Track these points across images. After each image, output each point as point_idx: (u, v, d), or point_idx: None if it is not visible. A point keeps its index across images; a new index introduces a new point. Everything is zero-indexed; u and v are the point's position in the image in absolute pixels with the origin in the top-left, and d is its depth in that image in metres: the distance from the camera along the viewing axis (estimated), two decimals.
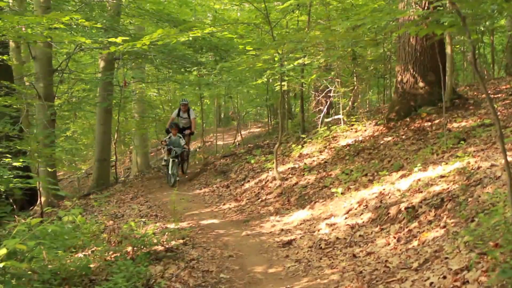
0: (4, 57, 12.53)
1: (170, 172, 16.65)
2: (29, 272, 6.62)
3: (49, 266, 7.22)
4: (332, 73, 17.87)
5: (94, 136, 21.09)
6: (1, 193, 12.02)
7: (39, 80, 15.93)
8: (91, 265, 7.79)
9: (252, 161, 16.44)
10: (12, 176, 9.92)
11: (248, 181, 14.95)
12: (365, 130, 15.03)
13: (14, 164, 10.84)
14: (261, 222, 11.12)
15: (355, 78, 17.81)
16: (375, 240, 8.29)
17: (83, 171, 27.09)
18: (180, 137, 17.00)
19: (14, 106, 12.40)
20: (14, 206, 12.25)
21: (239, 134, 23.73)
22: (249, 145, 20.72)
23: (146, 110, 24.35)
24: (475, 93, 15.60)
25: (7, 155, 11.01)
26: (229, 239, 10.15)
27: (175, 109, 19.75)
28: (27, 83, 18.72)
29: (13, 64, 15.31)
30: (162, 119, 25.12)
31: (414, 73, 14.02)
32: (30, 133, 14.33)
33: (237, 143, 23.02)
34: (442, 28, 7.28)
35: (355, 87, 17.91)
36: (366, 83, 19.81)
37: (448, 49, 13.68)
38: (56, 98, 17.73)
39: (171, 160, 16.58)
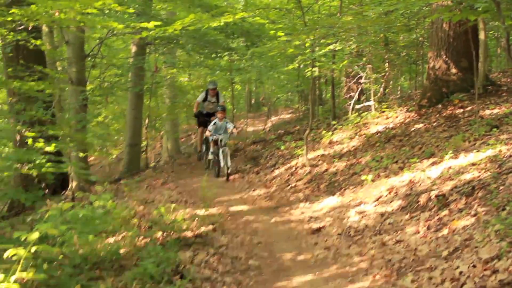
0: (37, 42, 12.61)
1: (221, 164, 14.92)
2: (60, 256, 6.71)
3: (80, 251, 7.31)
4: (364, 59, 17.75)
5: (126, 121, 21.21)
6: (33, 178, 12.19)
7: (71, 65, 16.08)
8: (121, 250, 7.88)
9: (282, 147, 16.41)
10: (45, 160, 10.02)
11: (278, 167, 14.93)
12: (396, 117, 14.92)
13: (47, 149, 10.96)
14: (291, 208, 11.10)
15: (386, 64, 17.70)
16: (405, 228, 8.23)
17: (114, 156, 27.29)
18: (227, 122, 15.50)
19: (47, 91, 12.52)
20: (47, 191, 12.41)
21: (269, 120, 23.69)
22: (279, 131, 20.68)
23: (177, 95, 24.45)
24: (508, 80, 15.41)
25: (40, 139, 11.12)
26: (258, 225, 10.17)
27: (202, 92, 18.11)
28: (59, 68, 18.90)
29: (46, 49, 15.42)
30: (192, 104, 25.18)
31: (446, 59, 13.87)
32: (62, 118, 14.48)
33: (268, 129, 22.98)
34: (476, 14, 7.21)
35: (387, 73, 17.80)
36: (398, 69, 19.71)
37: (481, 35, 13.52)
38: (88, 83, 17.86)
39: (221, 150, 14.82)
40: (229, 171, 14.83)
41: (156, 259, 7.24)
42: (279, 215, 10.67)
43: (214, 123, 15.25)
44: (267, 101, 28.23)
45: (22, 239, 4.84)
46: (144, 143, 21.13)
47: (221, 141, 14.99)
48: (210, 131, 15.15)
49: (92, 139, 20.10)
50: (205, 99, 16.94)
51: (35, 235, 4.70)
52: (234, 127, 15.46)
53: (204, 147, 17.13)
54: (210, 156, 15.79)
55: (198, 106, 17.12)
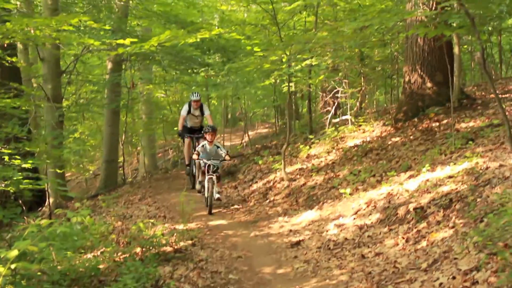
0: (13, 59, 12.57)
1: (207, 194, 12.67)
2: (39, 273, 6.66)
3: (59, 267, 7.25)
4: (340, 73, 17.85)
5: (102, 137, 21.16)
6: (10, 195, 12.08)
7: (47, 82, 15.98)
8: (100, 266, 7.82)
9: (260, 162, 16.44)
10: (22, 177, 9.95)
11: (256, 182, 14.95)
12: (373, 131, 15.02)
13: (23, 165, 10.88)
14: (270, 223, 11.12)
15: (362, 78, 17.81)
16: (384, 240, 8.28)
17: (91, 172, 27.17)
18: (218, 147, 13.20)
19: (23, 108, 12.44)
20: (23, 208, 12.30)
21: (246, 134, 23.71)
22: (256, 145, 20.71)
23: (153, 111, 24.43)
24: (483, 93, 15.57)
25: (16, 156, 11.04)
26: (238, 240, 10.16)
27: (183, 105, 16.04)
28: (35, 85, 18.81)
29: (21, 66, 15.36)
30: (169, 120, 25.15)
31: (421, 73, 14.01)
32: (38, 134, 14.40)
33: (245, 143, 23.03)
34: (451, 30, 7.30)
35: (363, 88, 17.91)
36: (373, 83, 19.80)
37: (456, 49, 13.66)
38: (64, 99, 17.79)
39: (207, 177, 12.63)
40: (218, 196, 12.72)
41: (136, 275, 7.21)
42: (258, 229, 10.68)
43: (203, 146, 13.12)
44: (244, 116, 28.26)
45: (1, 256, 4.80)
46: (121, 159, 21.05)
47: (210, 167, 12.78)
48: (198, 154, 12.93)
49: (68, 155, 20.03)
50: (188, 112, 15.17)
51: (14, 253, 4.67)
52: (227, 153, 13.13)
53: (192, 162, 15.10)
54: (198, 186, 14.10)
55: (183, 121, 15.28)
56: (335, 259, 8.15)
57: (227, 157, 12.99)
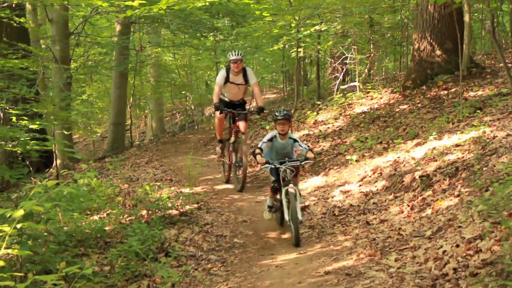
0: (21, 20, 12.52)
1: (288, 217, 7.83)
2: (45, 234, 6.70)
3: (65, 228, 7.32)
4: (349, 40, 17.75)
5: (110, 100, 21.14)
6: (18, 155, 12.13)
7: (55, 43, 15.95)
8: (106, 228, 7.88)
9: (267, 127, 16.41)
10: (29, 138, 9.97)
11: None
12: (381, 98, 14.97)
13: (31, 126, 10.90)
14: None
15: (371, 45, 17.70)
16: (389, 208, 8.31)
17: (98, 134, 27.20)
18: (295, 140, 8.62)
19: (31, 69, 12.43)
20: (31, 168, 12.36)
21: (254, 100, 23.60)
22: (265, 111, 20.67)
23: (161, 74, 24.36)
24: (492, 62, 15.45)
25: (24, 117, 11.06)
26: (243, 204, 10.20)
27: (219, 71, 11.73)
28: (43, 46, 18.75)
29: (29, 27, 15.30)
30: (177, 84, 25.08)
31: (431, 41, 13.90)
32: (46, 96, 14.39)
33: (252, 108, 23.00)
34: None
35: (372, 55, 17.81)
36: (382, 50, 19.69)
37: (466, 17, 13.53)
38: (72, 61, 17.76)
39: (285, 190, 8.00)
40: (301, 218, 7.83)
41: (141, 237, 7.26)
42: (264, 194, 10.70)
43: (270, 140, 8.57)
44: None
45: (8, 215, 4.83)
46: (128, 122, 21.07)
47: (287, 173, 8.13)
48: (260, 153, 8.30)
49: (76, 117, 20.05)
50: (225, 80, 11.13)
51: (20, 212, 4.68)
52: (310, 149, 8.44)
53: (224, 145, 11.87)
54: (269, 202, 8.76)
55: (220, 91, 11.16)
56: (340, 225, 8.19)
57: (310, 155, 8.31)
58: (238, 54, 10.92)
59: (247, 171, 11.13)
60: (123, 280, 6.49)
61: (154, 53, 23.41)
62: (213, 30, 19.46)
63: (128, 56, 19.31)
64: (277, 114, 8.45)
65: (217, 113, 11.26)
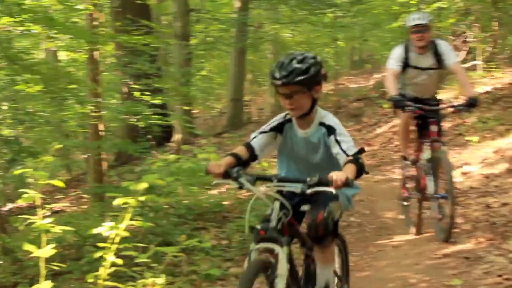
0: None
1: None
2: (166, 206, 6.89)
3: (184, 202, 7.48)
4: (471, 17, 17.21)
5: (228, 76, 21.39)
6: (140, 129, 12.50)
7: (176, 20, 16.25)
8: (224, 203, 8.00)
9: (385, 106, 16.15)
10: (151, 113, 10.25)
11: (381, 125, 14.76)
12: (504, 77, 14.47)
13: (152, 101, 11.19)
14: (393, 167, 10.98)
15: (495, 23, 17.11)
16: (511, 191, 8.03)
17: (217, 110, 27.59)
18: (331, 131, 3.80)
19: (153, 45, 12.74)
20: (152, 142, 12.71)
21: (372, 77, 23.35)
22: (382, 89, 20.41)
23: (279, 51, 24.39)
24: None
25: (146, 92, 11.36)
26: (361, 182, 10.08)
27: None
28: (164, 22, 19.17)
29: (151, 4, 15.66)
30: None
31: None
32: (167, 71, 14.73)
33: (371, 86, 22.71)
34: None
35: (495, 32, 17.21)
36: (507, 28, 19.00)
37: None
38: (192, 37, 18.05)
39: None
40: None
41: (259, 213, 7.32)
42: (382, 173, 10.59)
43: (279, 128, 3.99)
44: (371, 59, 27.80)
45: (131, 188, 4.97)
46: (247, 98, 21.26)
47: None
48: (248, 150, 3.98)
49: (195, 93, 20.41)
50: (405, 64, 6.86)
51: (143, 185, 4.82)
52: (356, 159, 3.72)
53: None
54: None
55: (395, 80, 6.81)
56: (459, 207, 7.98)
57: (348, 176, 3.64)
58: (422, 18, 6.73)
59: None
60: (240, 254, 6.58)
61: (272, 29, 23.46)
62: (332, 7, 19.28)
63: (246, 33, 19.45)
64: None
65: (403, 116, 6.99)
